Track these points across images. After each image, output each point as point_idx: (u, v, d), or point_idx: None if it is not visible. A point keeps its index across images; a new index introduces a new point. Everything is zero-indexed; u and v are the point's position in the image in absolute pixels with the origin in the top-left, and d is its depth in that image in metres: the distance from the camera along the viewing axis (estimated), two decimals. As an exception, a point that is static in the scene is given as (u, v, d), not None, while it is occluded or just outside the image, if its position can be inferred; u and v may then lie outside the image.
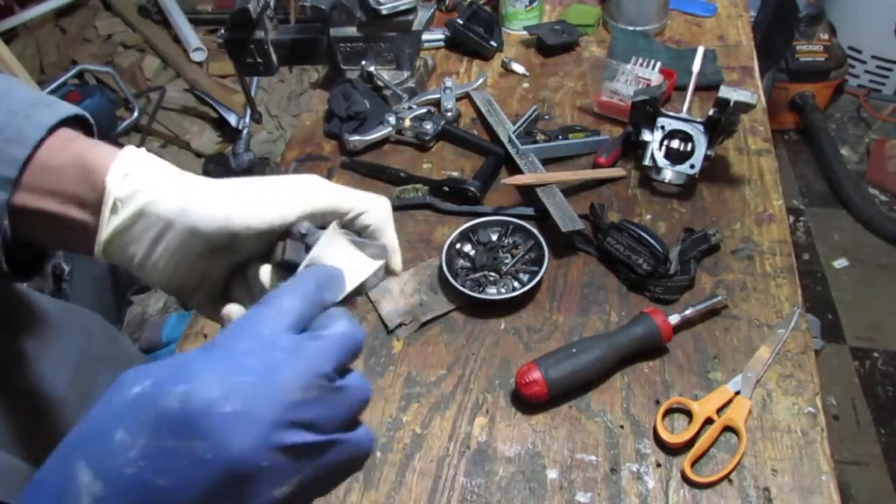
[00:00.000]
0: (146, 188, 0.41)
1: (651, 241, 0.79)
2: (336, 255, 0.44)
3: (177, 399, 0.31)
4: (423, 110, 1.05)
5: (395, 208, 0.94)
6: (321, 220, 0.45)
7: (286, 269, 0.43)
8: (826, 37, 2.39)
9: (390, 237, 0.49)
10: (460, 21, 1.19)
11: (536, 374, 0.68)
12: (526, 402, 0.70)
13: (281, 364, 0.33)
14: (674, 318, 0.74)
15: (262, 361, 0.33)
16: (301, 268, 0.42)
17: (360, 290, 0.46)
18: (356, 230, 0.47)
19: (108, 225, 0.41)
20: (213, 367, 0.33)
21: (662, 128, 0.93)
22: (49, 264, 0.52)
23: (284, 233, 0.43)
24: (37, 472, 0.33)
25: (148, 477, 0.31)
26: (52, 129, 0.42)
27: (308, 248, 0.43)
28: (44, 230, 0.44)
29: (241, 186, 0.43)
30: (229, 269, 0.46)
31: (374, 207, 0.49)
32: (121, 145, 0.45)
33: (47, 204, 0.42)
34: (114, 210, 0.41)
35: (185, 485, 0.31)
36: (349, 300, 0.45)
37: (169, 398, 0.31)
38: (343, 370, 0.36)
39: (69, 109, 0.44)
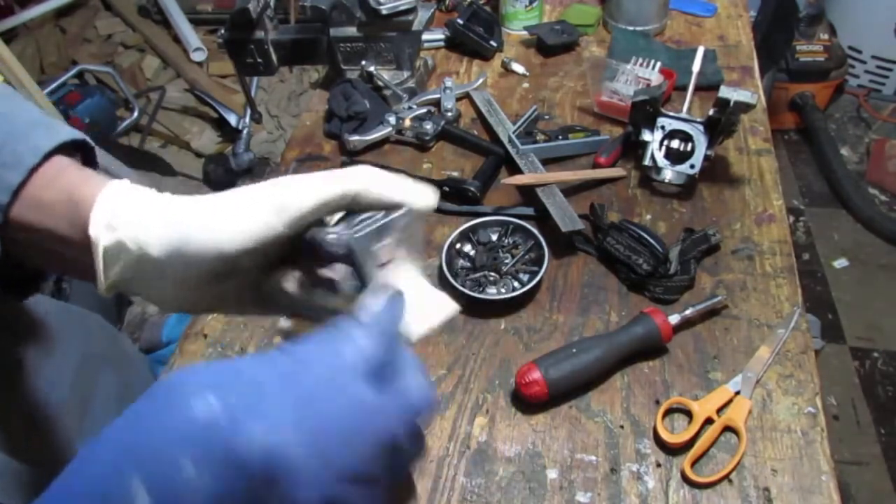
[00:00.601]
0: (132, 236, 0.39)
1: (651, 241, 0.79)
2: (406, 282, 0.41)
3: (256, 447, 0.29)
4: (423, 110, 1.05)
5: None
6: (327, 210, 0.41)
7: (321, 281, 0.41)
8: (826, 37, 2.40)
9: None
10: (460, 21, 1.19)
11: (536, 374, 0.68)
12: (526, 402, 0.70)
13: (362, 423, 0.33)
14: (674, 318, 0.74)
15: (342, 416, 0.32)
16: (373, 288, 0.40)
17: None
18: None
19: (104, 276, 0.40)
20: (296, 410, 0.31)
21: (662, 128, 0.93)
22: (46, 283, 0.51)
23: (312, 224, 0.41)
24: (74, 468, 0.31)
25: None
26: (49, 155, 0.41)
27: (341, 256, 0.40)
28: (36, 256, 0.43)
29: (226, 204, 0.40)
30: (253, 276, 0.44)
31: (412, 201, 0.43)
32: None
33: (39, 238, 0.41)
34: (105, 261, 0.39)
35: None
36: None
37: (247, 444, 0.29)
38: (415, 435, 0.36)
39: (68, 134, 0.43)
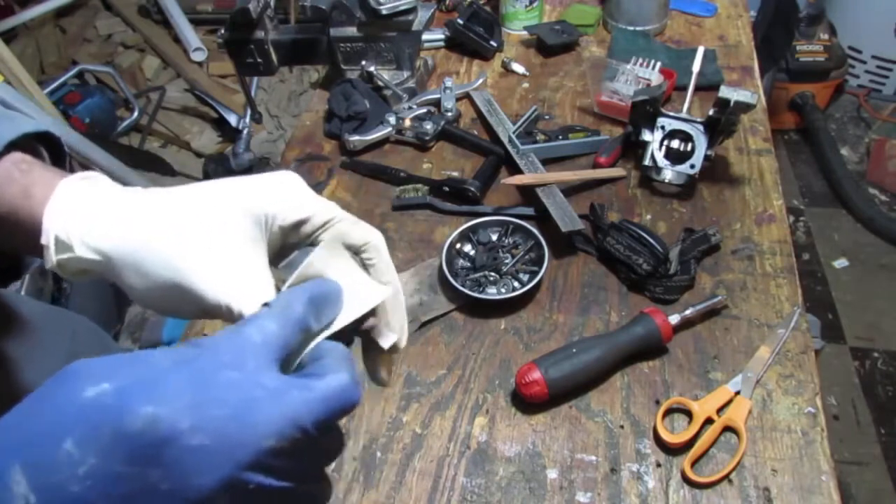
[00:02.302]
0: (85, 252, 0.38)
1: (651, 241, 0.79)
2: (337, 270, 0.40)
3: (141, 421, 0.28)
4: (423, 110, 1.05)
5: (396, 208, 0.94)
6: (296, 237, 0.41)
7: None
8: (826, 37, 2.39)
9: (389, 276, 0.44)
10: (460, 21, 1.19)
11: (536, 374, 0.68)
12: (526, 402, 0.70)
13: (260, 406, 0.31)
14: (674, 318, 0.74)
15: (240, 398, 0.30)
16: (292, 278, 0.38)
17: (358, 326, 0.41)
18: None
19: (66, 274, 0.39)
20: (189, 391, 0.30)
21: (662, 128, 0.93)
22: (28, 270, 0.51)
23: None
24: None
25: (91, 498, 0.28)
26: (10, 146, 0.40)
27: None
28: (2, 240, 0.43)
29: (191, 219, 0.38)
30: None
31: (380, 244, 0.43)
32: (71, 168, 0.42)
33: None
34: (62, 268, 0.39)
35: None
36: (357, 329, 0.41)
37: (132, 417, 0.28)
38: (327, 426, 0.33)
39: (30, 126, 0.43)
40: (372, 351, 0.45)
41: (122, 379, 0.29)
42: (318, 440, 0.33)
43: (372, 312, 0.43)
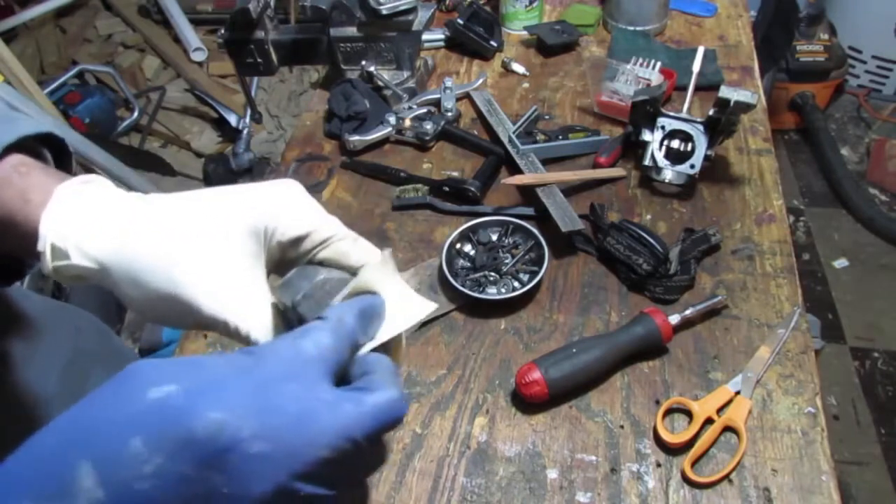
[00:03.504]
0: (81, 261, 0.38)
1: (651, 241, 0.79)
2: (384, 284, 0.40)
3: (209, 426, 0.29)
4: (424, 110, 1.05)
5: (396, 208, 0.94)
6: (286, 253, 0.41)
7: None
8: (826, 37, 2.39)
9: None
10: (460, 21, 1.19)
11: (536, 374, 0.68)
12: (526, 402, 0.70)
13: (317, 418, 0.32)
14: (674, 318, 0.74)
15: (299, 408, 0.32)
16: (344, 291, 0.39)
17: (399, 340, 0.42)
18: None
19: (62, 279, 0.39)
20: (252, 398, 0.31)
21: (662, 128, 0.93)
22: (32, 269, 0.51)
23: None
24: (18, 453, 0.29)
25: (157, 497, 0.29)
26: (11, 148, 0.40)
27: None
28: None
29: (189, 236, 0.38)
30: None
31: (372, 260, 0.43)
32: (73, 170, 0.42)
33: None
34: (58, 274, 0.39)
35: None
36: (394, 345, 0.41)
37: (200, 422, 0.29)
38: (375, 439, 0.34)
39: (31, 127, 0.42)
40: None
41: (188, 382, 0.30)
42: (366, 452, 0.34)
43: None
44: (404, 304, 0.41)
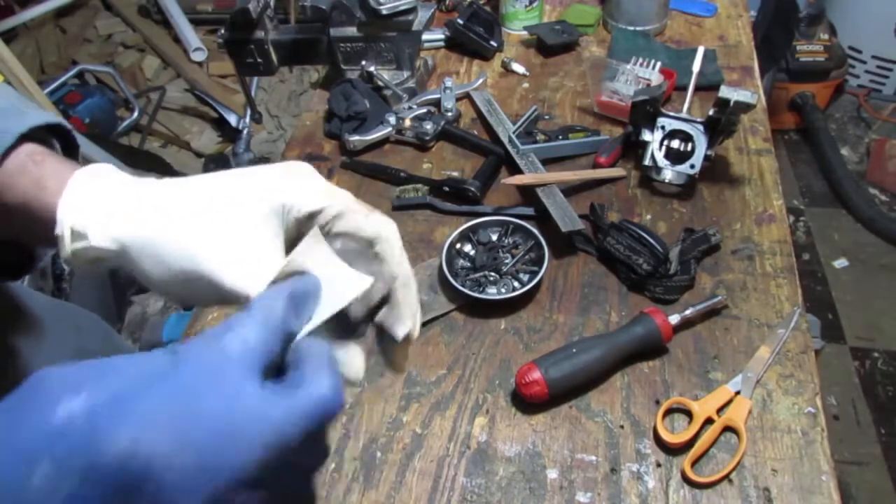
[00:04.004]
0: (101, 242, 0.38)
1: (651, 241, 0.79)
2: (316, 263, 0.38)
3: (120, 447, 0.26)
4: (423, 110, 1.05)
5: (396, 208, 0.94)
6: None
7: None
8: (826, 37, 2.40)
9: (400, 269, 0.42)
10: (460, 21, 1.19)
11: (536, 374, 0.68)
12: (526, 402, 0.70)
13: (243, 425, 0.29)
14: (674, 318, 0.74)
15: (221, 417, 0.29)
16: (275, 275, 0.37)
17: (358, 325, 0.40)
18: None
19: (78, 263, 0.39)
20: (167, 411, 0.28)
21: (662, 128, 0.93)
22: (40, 264, 0.52)
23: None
24: None
25: None
26: (23, 137, 0.41)
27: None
28: (12, 231, 0.43)
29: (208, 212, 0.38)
30: None
31: (391, 236, 0.43)
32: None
33: (9, 222, 0.41)
34: (75, 258, 0.39)
35: None
36: (350, 326, 0.40)
37: (108, 445, 0.26)
38: (309, 437, 0.32)
39: (42, 118, 0.43)
40: (385, 342, 0.45)
41: (96, 394, 0.28)
42: (302, 451, 0.32)
43: (383, 302, 0.42)
44: (340, 282, 0.38)
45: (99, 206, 0.38)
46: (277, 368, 0.34)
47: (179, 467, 0.28)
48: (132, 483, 0.27)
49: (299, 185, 0.40)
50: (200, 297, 0.39)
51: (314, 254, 0.38)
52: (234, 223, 0.38)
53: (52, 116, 0.44)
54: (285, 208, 0.40)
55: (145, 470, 0.27)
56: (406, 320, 0.43)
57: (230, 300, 0.38)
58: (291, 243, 0.42)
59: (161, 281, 0.38)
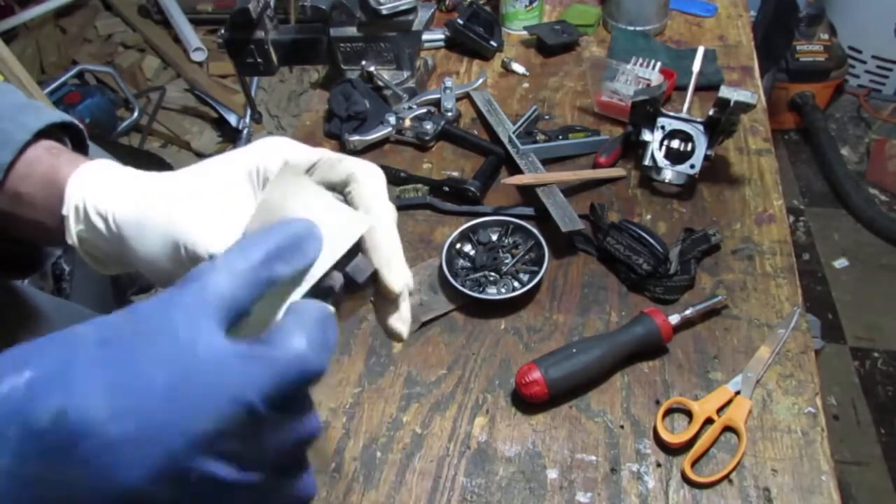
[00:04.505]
0: (96, 219, 0.39)
1: (651, 241, 0.79)
2: (306, 206, 0.33)
3: (48, 416, 0.25)
4: (423, 110, 1.05)
5: (395, 208, 0.94)
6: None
7: None
8: (826, 37, 2.39)
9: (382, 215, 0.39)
10: (460, 21, 1.19)
11: (536, 374, 0.68)
12: (526, 402, 0.70)
13: (192, 382, 0.26)
14: (674, 318, 0.74)
15: (169, 374, 0.26)
16: (249, 221, 0.34)
17: (359, 279, 0.35)
18: None
19: (84, 249, 0.41)
20: (104, 375, 0.26)
21: (662, 128, 0.93)
22: (48, 262, 0.52)
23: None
24: None
25: (10, 502, 0.25)
26: (38, 135, 0.42)
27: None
28: (23, 233, 0.44)
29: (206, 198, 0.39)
30: None
31: (363, 176, 0.40)
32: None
33: (25, 211, 0.42)
34: (80, 240, 0.40)
35: None
36: (352, 286, 0.35)
37: (38, 412, 0.25)
38: (283, 401, 0.28)
39: (56, 116, 0.44)
40: (381, 303, 0.41)
41: (40, 366, 0.26)
42: (277, 420, 0.29)
43: (355, 251, 0.37)
44: (337, 224, 0.33)
45: (101, 187, 0.40)
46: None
47: (118, 433, 0.25)
48: (68, 452, 0.25)
49: (270, 146, 0.41)
50: (183, 270, 0.39)
51: (294, 190, 0.34)
52: (202, 188, 0.39)
53: (65, 115, 0.46)
54: (259, 169, 0.40)
55: (79, 436, 0.25)
56: (391, 269, 0.38)
57: None
58: None
59: (147, 258, 0.39)
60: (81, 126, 0.48)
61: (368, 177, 0.40)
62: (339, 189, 0.40)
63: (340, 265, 0.35)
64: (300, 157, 0.40)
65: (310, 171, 0.41)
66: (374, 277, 0.38)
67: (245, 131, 2.36)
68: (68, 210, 0.40)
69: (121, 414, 0.25)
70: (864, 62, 2.52)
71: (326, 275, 0.34)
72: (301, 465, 0.32)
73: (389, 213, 0.40)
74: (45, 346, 0.27)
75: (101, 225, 0.39)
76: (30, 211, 0.42)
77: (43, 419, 0.25)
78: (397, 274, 0.38)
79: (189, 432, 0.26)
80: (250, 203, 0.39)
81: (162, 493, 0.26)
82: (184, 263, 0.38)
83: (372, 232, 0.38)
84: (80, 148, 0.49)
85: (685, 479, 0.64)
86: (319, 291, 0.34)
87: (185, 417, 0.26)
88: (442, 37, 1.24)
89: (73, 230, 0.40)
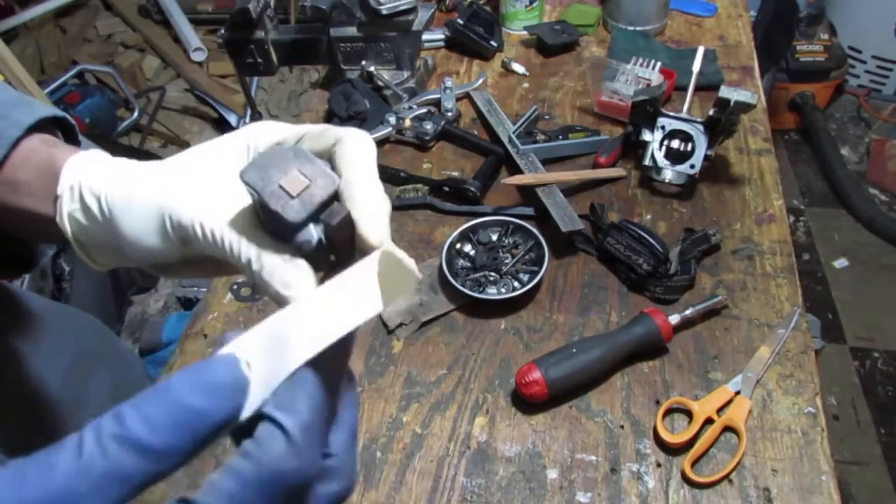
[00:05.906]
0: (89, 198, 0.39)
1: (651, 241, 0.79)
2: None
3: None
4: (424, 110, 1.05)
5: (396, 208, 0.94)
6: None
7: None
8: (826, 37, 2.39)
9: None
10: (460, 21, 1.19)
11: (536, 374, 0.68)
12: (526, 402, 0.70)
13: None
14: (674, 318, 0.74)
15: None
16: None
17: (332, 222, 0.33)
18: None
19: (70, 232, 0.41)
20: None
21: (662, 128, 0.93)
22: (41, 262, 0.53)
23: None
24: None
25: None
26: (30, 129, 0.43)
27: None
28: (18, 226, 0.44)
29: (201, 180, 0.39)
30: None
31: (348, 138, 0.38)
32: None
33: (21, 199, 0.42)
34: (70, 223, 0.40)
35: None
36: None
37: None
38: None
39: (48, 111, 0.45)
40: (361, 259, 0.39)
41: None
42: None
43: (332, 200, 0.35)
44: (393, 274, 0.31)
45: (97, 168, 0.41)
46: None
47: None
48: None
49: (261, 126, 0.41)
50: (172, 249, 0.39)
51: (274, 154, 0.33)
52: (191, 164, 0.40)
53: (57, 110, 0.46)
54: (249, 146, 0.40)
55: None
56: (366, 218, 0.36)
57: (191, 242, 0.37)
58: None
59: (134, 234, 0.39)
60: (73, 121, 0.48)
61: (352, 141, 0.39)
62: (328, 156, 0.40)
63: (316, 217, 0.33)
64: (288, 133, 0.41)
65: (298, 143, 0.41)
66: (353, 232, 0.36)
67: (245, 131, 2.36)
68: (63, 189, 0.40)
69: None
70: (864, 62, 2.52)
71: (303, 228, 0.33)
72: None
73: (370, 169, 0.38)
74: None
75: (94, 205, 0.39)
76: (27, 198, 0.42)
77: None
78: (374, 224, 0.36)
79: None
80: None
81: None
82: (169, 238, 0.38)
83: (347, 185, 0.36)
84: (72, 143, 0.50)
85: (685, 479, 0.64)
86: (299, 249, 0.33)
87: None
88: (442, 37, 1.24)
89: (66, 210, 0.40)
